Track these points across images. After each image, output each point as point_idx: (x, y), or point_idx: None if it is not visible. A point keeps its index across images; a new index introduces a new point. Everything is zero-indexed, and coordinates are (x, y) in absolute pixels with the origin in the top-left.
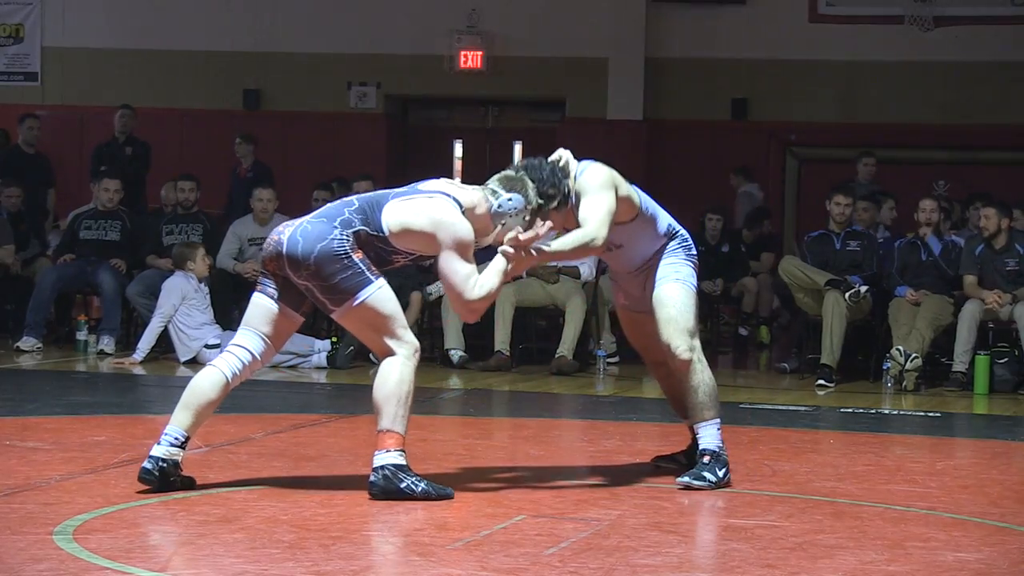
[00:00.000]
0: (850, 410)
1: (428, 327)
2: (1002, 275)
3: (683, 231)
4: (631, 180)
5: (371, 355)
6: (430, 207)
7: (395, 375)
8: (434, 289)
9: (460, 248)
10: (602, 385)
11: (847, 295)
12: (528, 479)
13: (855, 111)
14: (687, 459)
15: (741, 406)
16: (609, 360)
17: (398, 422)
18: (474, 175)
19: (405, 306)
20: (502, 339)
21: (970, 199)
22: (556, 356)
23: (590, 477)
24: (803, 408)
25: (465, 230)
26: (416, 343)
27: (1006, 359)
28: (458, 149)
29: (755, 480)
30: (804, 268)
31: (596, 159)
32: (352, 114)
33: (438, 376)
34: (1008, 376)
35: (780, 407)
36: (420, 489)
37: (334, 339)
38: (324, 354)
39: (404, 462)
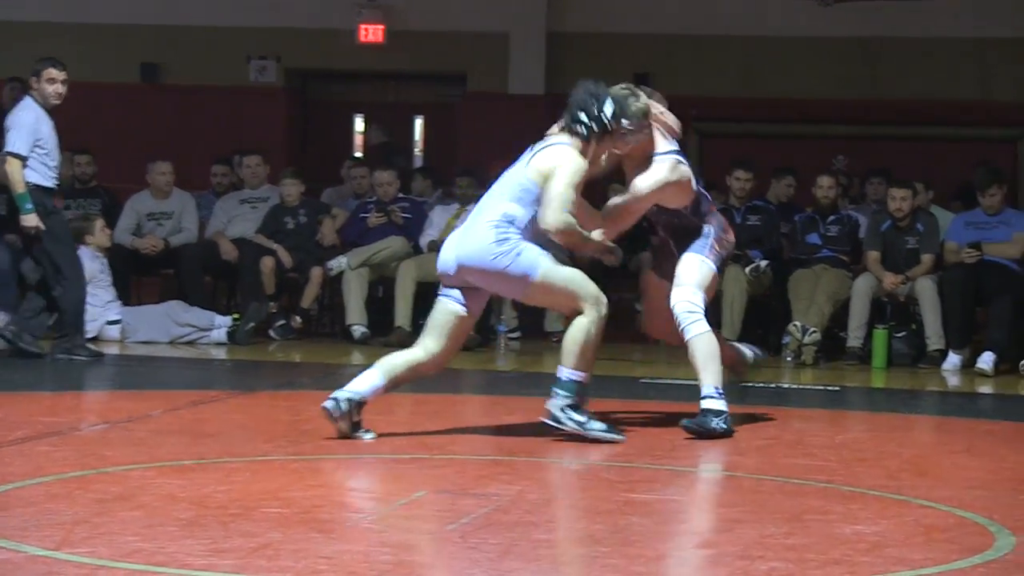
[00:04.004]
0: (749, 384)
1: (329, 303)
2: (902, 253)
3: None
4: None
5: (271, 331)
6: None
7: None
8: (335, 264)
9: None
10: (504, 360)
11: (747, 270)
12: (429, 455)
13: (755, 86)
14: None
15: (641, 381)
16: (510, 335)
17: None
18: (375, 149)
19: (305, 282)
20: (403, 315)
21: (868, 174)
22: None
23: (491, 452)
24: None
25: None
26: None
27: (904, 333)
28: (359, 124)
29: (656, 455)
30: None
31: (500, 134)
32: (251, 88)
33: (339, 352)
34: (906, 350)
35: (680, 381)
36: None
37: (235, 315)
38: (224, 330)
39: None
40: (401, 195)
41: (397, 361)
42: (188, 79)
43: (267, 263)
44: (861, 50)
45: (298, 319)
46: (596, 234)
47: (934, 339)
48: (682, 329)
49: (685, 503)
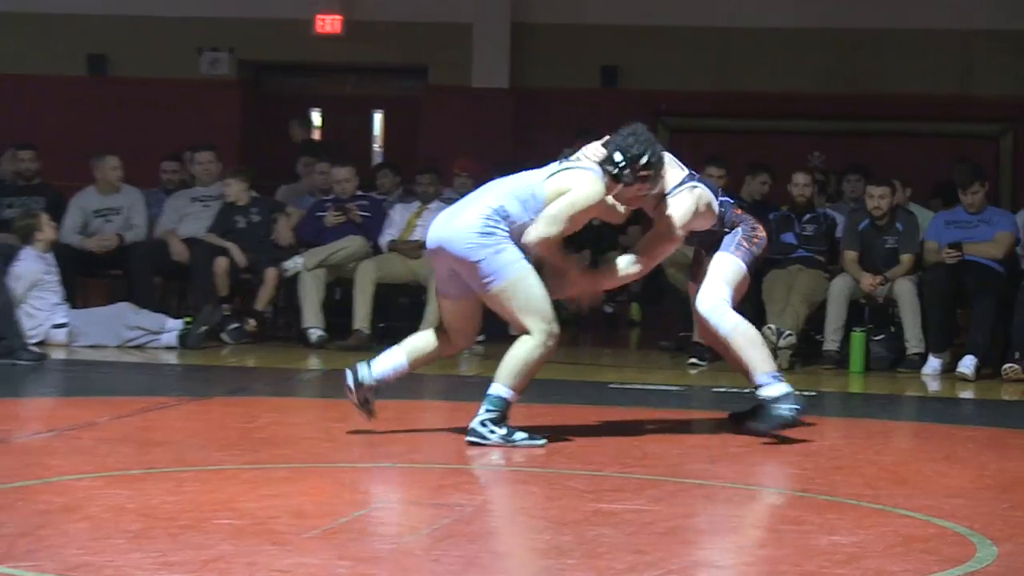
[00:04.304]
0: (723, 389)
1: (285, 305)
2: (880, 253)
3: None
4: (501, 151)
5: (224, 335)
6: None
7: None
8: (291, 265)
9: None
10: (466, 365)
11: None
12: (389, 463)
13: (728, 79)
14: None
15: (610, 386)
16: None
17: None
18: (333, 145)
19: (259, 283)
20: (362, 317)
21: (846, 171)
22: None
23: (453, 461)
24: (675, 388)
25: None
26: None
27: (882, 336)
28: (315, 118)
29: (625, 463)
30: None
31: (463, 129)
32: (203, 81)
33: (295, 356)
34: (884, 353)
35: (651, 387)
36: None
37: (187, 318)
38: (176, 333)
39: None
40: (360, 192)
41: (420, 343)
42: (137, 71)
43: (220, 263)
44: (838, 43)
45: (252, 322)
46: (576, 268)
47: (913, 342)
48: (714, 327)
49: (656, 513)
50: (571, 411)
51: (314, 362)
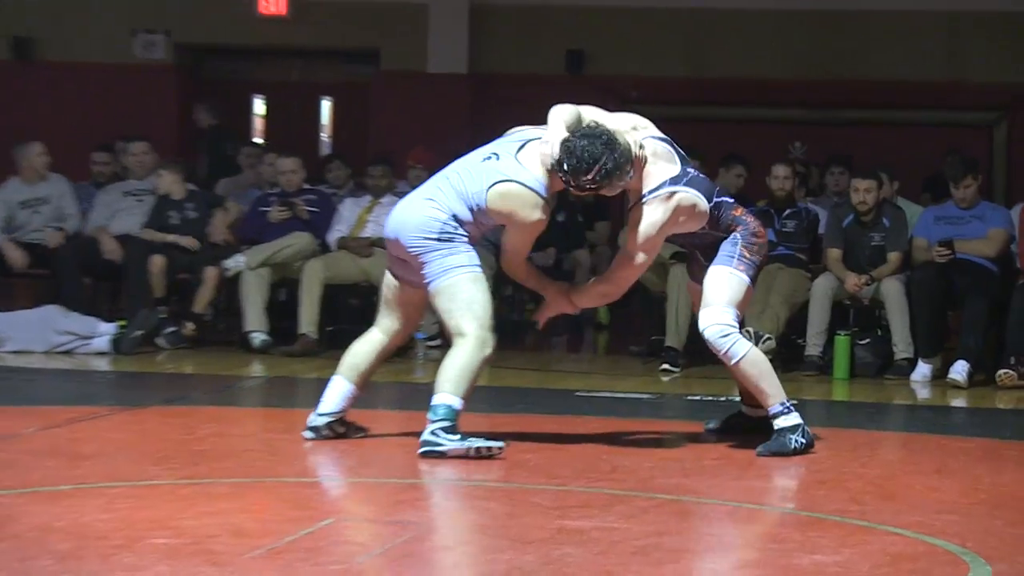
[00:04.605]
0: (698, 397)
1: (225, 307)
2: (866, 251)
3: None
4: (459, 141)
5: (160, 339)
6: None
7: None
8: (232, 264)
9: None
10: (422, 371)
11: None
12: (338, 478)
13: (702, 64)
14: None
15: (576, 394)
16: (430, 343)
17: None
18: (276, 133)
19: (198, 283)
20: (309, 320)
21: (829, 162)
22: None
23: (406, 474)
24: (646, 396)
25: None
26: None
27: (868, 340)
28: (259, 106)
29: (592, 477)
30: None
31: (417, 117)
32: (137, 65)
33: (237, 362)
34: (871, 359)
35: (620, 395)
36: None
37: (120, 321)
38: (108, 338)
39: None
40: (307, 186)
41: (357, 359)
42: (66, 55)
43: (156, 262)
44: (820, 25)
45: (190, 325)
46: (551, 288)
47: (902, 347)
48: (722, 355)
49: (625, 531)
50: (534, 421)
51: (257, 369)
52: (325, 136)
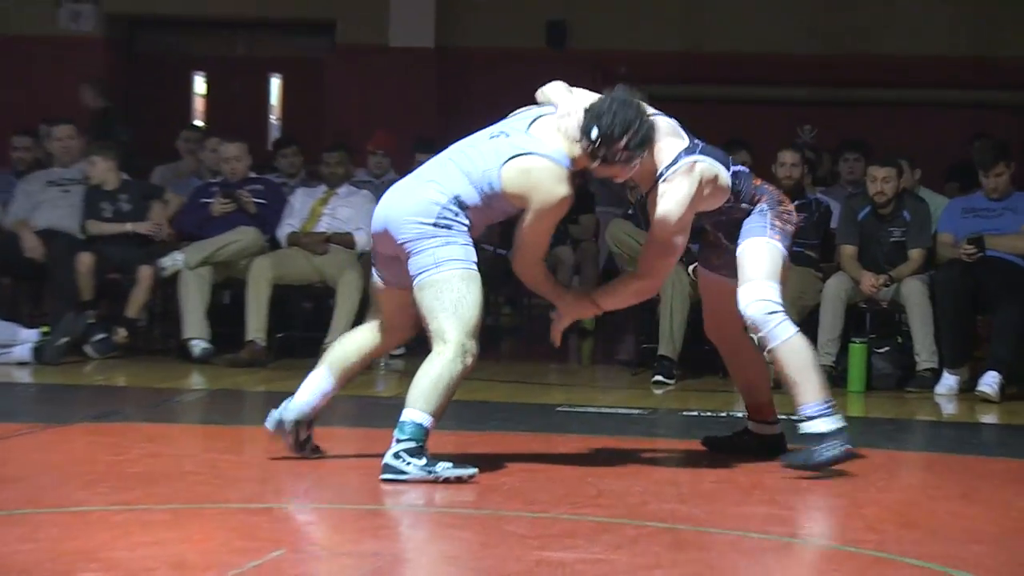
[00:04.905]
0: (695, 413)
1: (162, 311)
2: (884, 248)
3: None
4: (425, 123)
5: (89, 347)
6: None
7: None
8: (169, 263)
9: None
10: (383, 384)
11: (690, 269)
12: (289, 503)
13: (701, 39)
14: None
15: (558, 409)
16: (392, 353)
17: None
18: (219, 115)
19: (131, 285)
20: (256, 326)
21: (842, 148)
22: (324, 346)
23: (367, 500)
24: (636, 411)
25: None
26: None
27: (887, 348)
28: (199, 84)
29: (576, 503)
30: (637, 235)
31: (379, 97)
32: (62, 39)
33: (174, 373)
34: (890, 370)
35: (607, 410)
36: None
37: (43, 327)
38: (30, 346)
39: None
40: (254, 175)
41: (347, 352)
42: None
43: (83, 261)
44: None
45: (122, 332)
46: (569, 294)
47: (924, 356)
48: (762, 336)
49: (613, 564)
50: (511, 439)
51: (197, 380)
52: (274, 118)
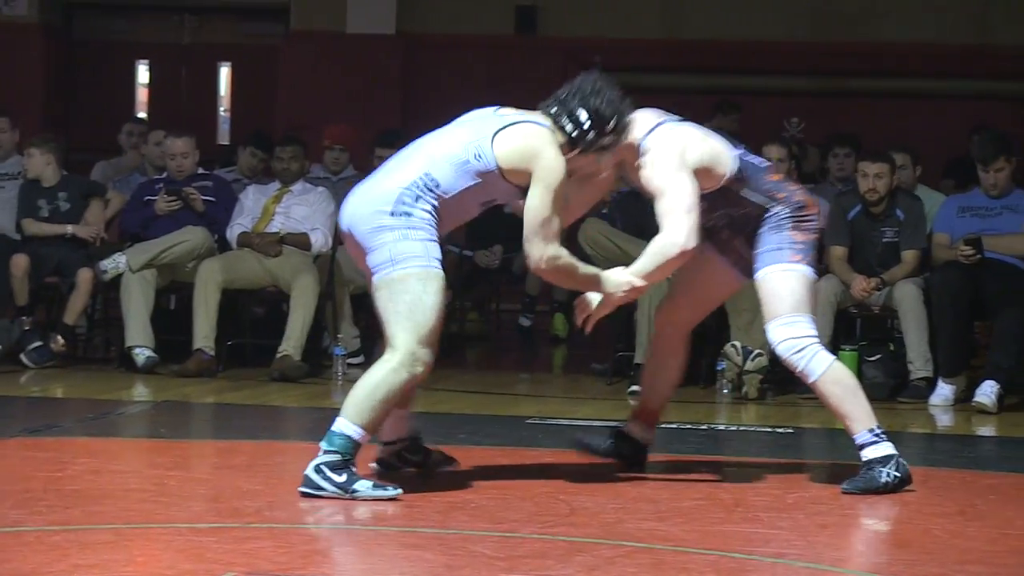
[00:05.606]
0: (674, 425)
1: (103, 317)
2: (876, 249)
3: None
4: (386, 115)
5: (24, 356)
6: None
7: None
8: (110, 265)
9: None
10: (340, 394)
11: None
12: (240, 523)
13: (679, 25)
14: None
15: (528, 421)
16: (351, 361)
17: None
18: (164, 106)
19: (69, 289)
20: (204, 333)
21: (831, 142)
22: (278, 356)
23: (325, 518)
24: (611, 423)
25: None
26: None
27: (879, 356)
28: (143, 73)
29: (546, 522)
30: (612, 235)
31: (335, 87)
32: None
33: (116, 384)
34: (882, 379)
35: (580, 422)
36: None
37: None
38: None
39: None
40: (202, 170)
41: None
42: None
43: (18, 263)
44: None
45: (60, 340)
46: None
47: (918, 364)
48: (801, 373)
49: None
50: (478, 454)
51: (141, 392)
52: (223, 110)
